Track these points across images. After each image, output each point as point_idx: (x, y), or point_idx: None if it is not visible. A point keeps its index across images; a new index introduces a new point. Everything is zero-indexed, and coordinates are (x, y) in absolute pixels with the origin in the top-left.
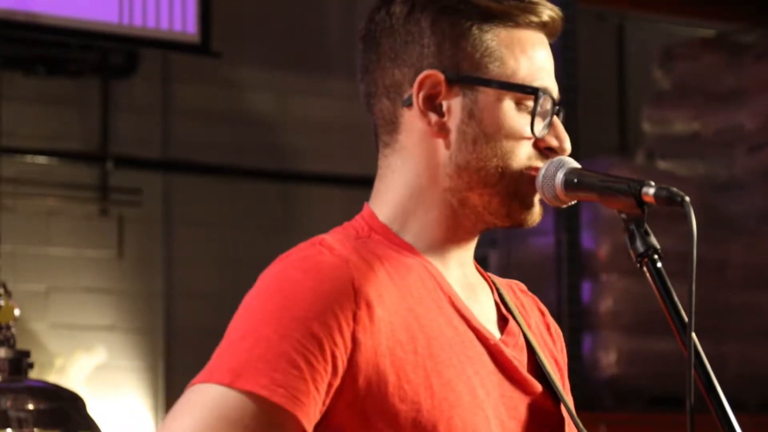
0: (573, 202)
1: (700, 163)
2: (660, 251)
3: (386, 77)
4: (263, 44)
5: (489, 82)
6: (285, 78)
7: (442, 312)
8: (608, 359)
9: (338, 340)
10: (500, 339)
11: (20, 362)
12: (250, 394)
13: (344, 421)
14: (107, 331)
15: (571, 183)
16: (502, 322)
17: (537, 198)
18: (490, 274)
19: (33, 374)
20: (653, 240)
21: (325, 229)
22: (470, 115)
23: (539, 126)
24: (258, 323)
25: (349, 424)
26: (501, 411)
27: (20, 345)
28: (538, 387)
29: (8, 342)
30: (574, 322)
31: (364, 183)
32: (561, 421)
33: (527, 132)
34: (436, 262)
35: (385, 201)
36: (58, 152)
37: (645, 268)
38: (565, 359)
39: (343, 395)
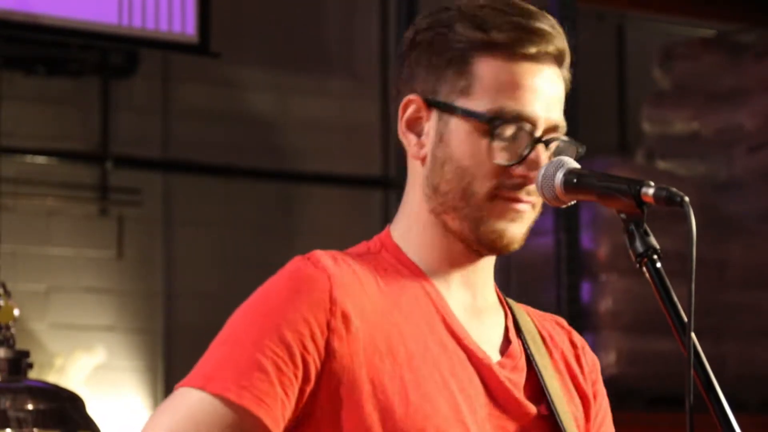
0: (572, 203)
1: (700, 163)
2: (659, 251)
3: (399, 101)
4: (263, 44)
5: (455, 109)
6: (284, 78)
7: (431, 330)
8: (608, 359)
9: (310, 346)
10: (498, 361)
11: (20, 362)
12: (219, 397)
13: (320, 425)
14: (107, 331)
15: (571, 183)
16: (506, 346)
17: (511, 221)
18: (523, 305)
19: (32, 374)
20: (653, 240)
21: (324, 229)
22: (440, 138)
23: (504, 156)
24: (236, 330)
25: (324, 429)
26: (486, 429)
27: (20, 345)
28: (532, 409)
29: (8, 342)
30: (574, 322)
31: (364, 183)
32: None
33: (494, 159)
34: (438, 282)
35: (398, 219)
36: (58, 152)
37: (644, 268)
38: (597, 391)
39: (319, 399)
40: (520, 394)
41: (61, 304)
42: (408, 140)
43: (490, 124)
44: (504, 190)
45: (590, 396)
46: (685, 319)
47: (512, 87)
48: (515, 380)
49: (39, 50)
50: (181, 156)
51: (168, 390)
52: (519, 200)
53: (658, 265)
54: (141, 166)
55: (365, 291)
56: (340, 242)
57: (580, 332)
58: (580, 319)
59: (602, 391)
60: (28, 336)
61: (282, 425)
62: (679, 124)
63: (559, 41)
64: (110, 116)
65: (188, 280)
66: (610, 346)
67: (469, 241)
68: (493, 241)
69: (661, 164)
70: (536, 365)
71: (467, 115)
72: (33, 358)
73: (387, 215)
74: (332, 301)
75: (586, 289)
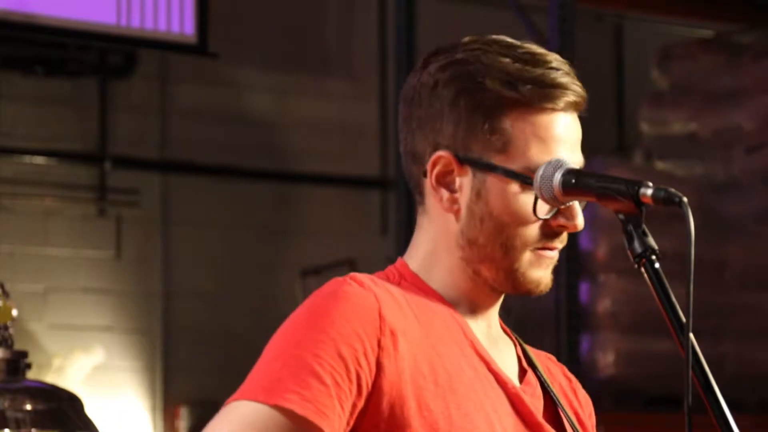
0: (571, 203)
1: (698, 163)
2: (658, 252)
3: (412, 144)
4: (261, 45)
5: (494, 168)
6: (282, 79)
7: (463, 353)
8: (606, 360)
9: (363, 362)
10: (519, 387)
11: (18, 363)
12: (280, 409)
13: None
14: (105, 331)
15: (569, 183)
16: (523, 374)
17: (546, 268)
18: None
19: (31, 375)
20: (651, 240)
21: (322, 229)
22: (478, 195)
23: (543, 209)
24: (289, 345)
25: None
26: None
27: (18, 345)
28: None
29: (6, 342)
30: (572, 322)
31: (361, 183)
32: None
33: (533, 215)
34: (461, 311)
35: (416, 254)
36: (56, 152)
37: (643, 269)
38: (593, 424)
39: (367, 416)
40: (542, 420)
41: (60, 305)
42: (440, 195)
43: (531, 183)
44: (543, 242)
45: (590, 428)
46: (684, 320)
47: (545, 141)
48: (536, 405)
49: (37, 51)
50: (179, 156)
51: (166, 390)
52: (555, 248)
53: (657, 265)
54: (139, 166)
55: (404, 314)
56: (338, 242)
57: (579, 333)
58: (579, 319)
59: (594, 423)
60: (26, 336)
61: None
62: (677, 124)
63: (580, 88)
64: (108, 117)
65: (186, 280)
66: (609, 346)
67: (503, 288)
68: (529, 290)
69: (660, 165)
70: (552, 394)
71: (509, 175)
72: (31, 358)
73: (385, 215)
74: (382, 319)
75: (584, 290)
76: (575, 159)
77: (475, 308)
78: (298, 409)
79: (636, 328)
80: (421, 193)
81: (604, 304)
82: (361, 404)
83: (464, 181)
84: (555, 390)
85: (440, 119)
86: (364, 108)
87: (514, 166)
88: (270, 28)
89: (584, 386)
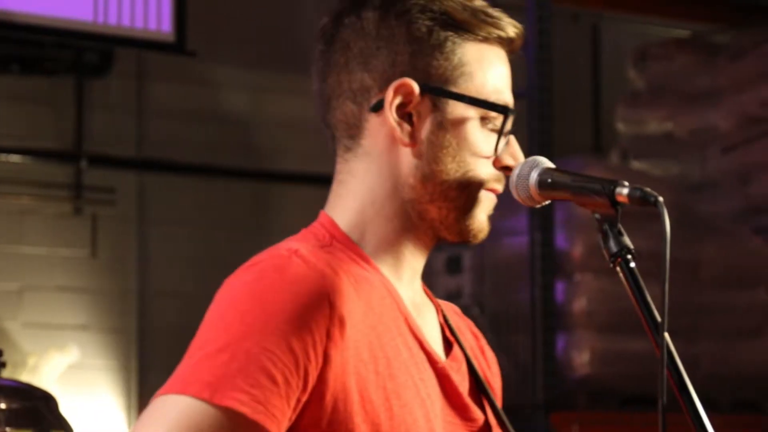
0: (547, 202)
1: (674, 163)
2: (633, 251)
3: (353, 80)
4: (238, 43)
5: (461, 97)
6: (260, 77)
7: (399, 332)
8: (581, 359)
9: (311, 354)
10: (446, 362)
11: None
12: (227, 410)
13: None
14: (80, 330)
15: (545, 183)
16: (446, 346)
17: (486, 216)
18: (427, 290)
19: (5, 373)
20: (627, 240)
21: (300, 228)
22: (439, 126)
23: (500, 145)
24: (236, 336)
25: None
26: None
27: None
28: (480, 415)
29: None
30: (548, 321)
31: None
32: None
33: (489, 150)
34: (391, 277)
35: (345, 208)
36: (32, 151)
37: (618, 268)
38: (500, 384)
39: (309, 411)
40: (468, 400)
41: (35, 303)
42: (401, 127)
43: (503, 113)
44: (494, 182)
45: (498, 390)
46: (659, 319)
47: (499, 75)
48: (463, 384)
49: (13, 48)
50: (155, 155)
51: (141, 389)
52: (499, 191)
53: (632, 264)
54: (115, 165)
55: (348, 292)
56: None
57: (554, 332)
58: (554, 318)
59: (500, 384)
60: (1, 335)
61: None
62: (653, 124)
63: (520, 26)
64: (85, 115)
65: (162, 280)
66: (584, 345)
67: (448, 231)
68: (475, 234)
69: (636, 164)
70: (474, 369)
71: (476, 104)
72: (6, 357)
73: None
74: (331, 306)
75: (560, 289)
76: (510, 100)
77: (405, 271)
78: (249, 413)
79: (611, 328)
80: (358, 134)
81: (579, 304)
82: (304, 398)
83: (424, 113)
84: (474, 361)
85: (394, 49)
86: None
87: (480, 96)
88: (247, 26)
89: (560, 385)
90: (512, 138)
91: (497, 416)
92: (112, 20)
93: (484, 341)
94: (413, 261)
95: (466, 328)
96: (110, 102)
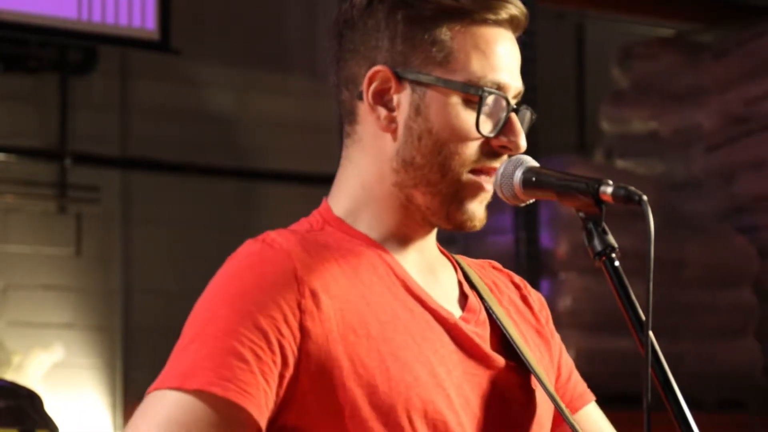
0: (531, 201)
1: (658, 162)
2: (618, 250)
3: (345, 69)
4: (223, 41)
5: (435, 81)
6: (245, 75)
7: (395, 297)
8: None
9: (285, 330)
10: (461, 317)
11: None
12: (200, 393)
13: (304, 409)
14: (65, 328)
15: (530, 181)
16: (464, 300)
17: (480, 202)
18: (458, 256)
19: None
20: (611, 239)
21: (284, 226)
22: (417, 111)
23: (487, 126)
24: (204, 324)
25: (308, 411)
26: (465, 388)
27: None
28: (501, 361)
29: None
30: None
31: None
32: (530, 393)
33: (474, 132)
34: (391, 248)
35: (341, 193)
36: (16, 149)
37: (603, 267)
38: (552, 329)
39: (300, 384)
40: (488, 348)
41: (19, 302)
42: (377, 113)
43: (477, 94)
44: (482, 162)
45: (547, 335)
46: (643, 318)
47: (486, 54)
48: (481, 334)
49: None
50: (139, 153)
51: (126, 388)
52: (493, 170)
53: (617, 263)
54: (99, 163)
55: (325, 267)
56: None
57: None
58: None
59: (553, 326)
60: None
61: (266, 415)
62: (637, 123)
63: (520, 6)
64: (69, 113)
65: (147, 278)
66: (569, 344)
67: (436, 218)
68: (462, 222)
69: (620, 163)
70: (496, 317)
71: (451, 86)
72: None
73: None
74: (298, 280)
75: (545, 288)
76: (519, 84)
77: (405, 241)
78: (219, 391)
79: (596, 326)
80: (354, 121)
81: (564, 302)
82: (289, 373)
83: (402, 98)
84: (501, 309)
85: (375, 36)
86: (326, 105)
87: (459, 79)
88: (231, 24)
89: None
90: (513, 117)
91: (526, 362)
92: (96, 18)
93: (529, 289)
94: (415, 236)
95: (506, 280)
96: (94, 100)
